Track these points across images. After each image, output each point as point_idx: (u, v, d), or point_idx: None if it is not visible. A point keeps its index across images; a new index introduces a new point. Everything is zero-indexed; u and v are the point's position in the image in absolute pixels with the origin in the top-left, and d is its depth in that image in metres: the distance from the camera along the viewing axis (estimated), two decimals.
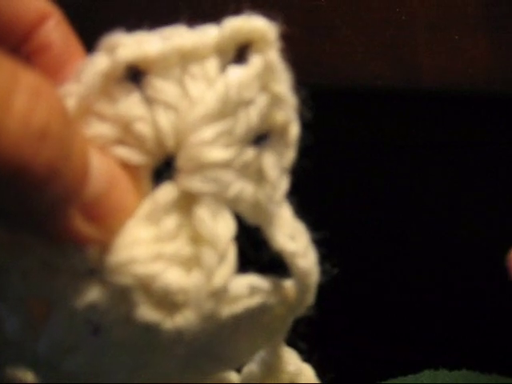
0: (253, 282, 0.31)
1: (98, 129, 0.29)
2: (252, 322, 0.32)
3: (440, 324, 0.91)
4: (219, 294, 0.30)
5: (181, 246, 0.29)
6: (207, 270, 0.29)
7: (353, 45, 0.66)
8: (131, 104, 0.29)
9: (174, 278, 0.29)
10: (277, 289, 0.32)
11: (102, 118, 0.29)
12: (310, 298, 0.33)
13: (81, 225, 0.26)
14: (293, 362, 0.37)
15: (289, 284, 0.32)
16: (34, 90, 0.23)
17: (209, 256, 0.29)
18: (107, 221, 0.27)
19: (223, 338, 0.32)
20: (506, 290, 0.78)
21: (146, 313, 0.29)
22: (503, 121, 0.74)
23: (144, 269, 0.28)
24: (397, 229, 0.86)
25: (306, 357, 0.37)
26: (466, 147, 0.79)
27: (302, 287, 0.32)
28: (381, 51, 0.67)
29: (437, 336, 0.91)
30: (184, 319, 0.29)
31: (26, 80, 0.23)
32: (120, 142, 0.29)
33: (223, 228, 0.29)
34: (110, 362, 0.31)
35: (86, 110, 0.29)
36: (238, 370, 0.37)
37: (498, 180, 0.82)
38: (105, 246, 0.29)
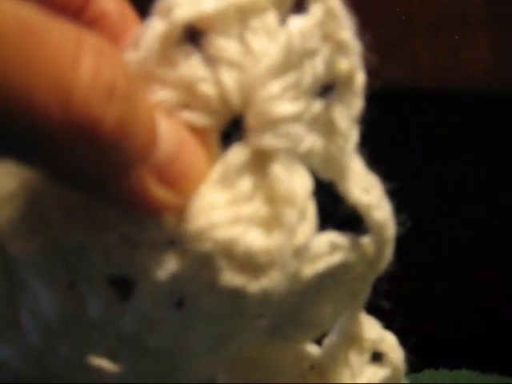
0: (332, 239, 0.30)
1: (161, 94, 0.28)
2: (334, 281, 0.31)
3: (440, 324, 0.90)
4: (302, 253, 0.29)
5: (258, 207, 0.28)
6: (288, 229, 0.28)
7: None
8: (192, 66, 0.28)
9: (255, 239, 0.28)
10: (356, 245, 0.31)
11: (163, 83, 0.28)
12: (389, 252, 0.32)
13: (154, 188, 0.26)
14: (374, 329, 0.35)
15: (367, 240, 0.31)
16: (98, 50, 0.23)
17: (289, 214, 0.28)
18: (180, 184, 0.27)
19: (307, 301, 0.31)
20: (506, 290, 0.77)
21: (231, 277, 0.28)
22: (503, 121, 0.74)
23: (224, 233, 0.27)
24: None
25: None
26: (465, 147, 0.79)
27: (379, 240, 0.31)
28: (381, 51, 0.68)
29: (437, 336, 0.90)
30: (269, 280, 0.28)
31: (89, 41, 0.23)
32: (184, 105, 0.28)
33: (300, 184, 0.28)
34: (196, 335, 0.30)
35: (147, 76, 0.28)
36: (319, 343, 0.36)
37: (498, 180, 0.83)
38: (181, 215, 0.28)
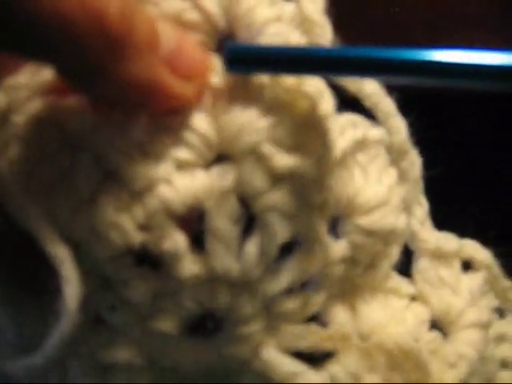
0: None
1: None
2: None
3: None
4: None
5: None
6: None
7: (352, 45, 0.67)
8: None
9: None
10: None
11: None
12: None
13: (168, 77, 0.28)
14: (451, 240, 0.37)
15: None
16: None
17: None
18: (189, 73, 0.29)
19: None
20: None
21: None
22: (503, 121, 0.70)
23: None
24: None
25: None
26: (465, 147, 0.79)
27: None
28: None
29: None
30: None
31: None
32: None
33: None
34: None
35: None
36: None
37: (498, 180, 0.82)
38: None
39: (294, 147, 0.29)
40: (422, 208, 0.36)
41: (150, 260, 0.30)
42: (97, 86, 0.27)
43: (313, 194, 0.30)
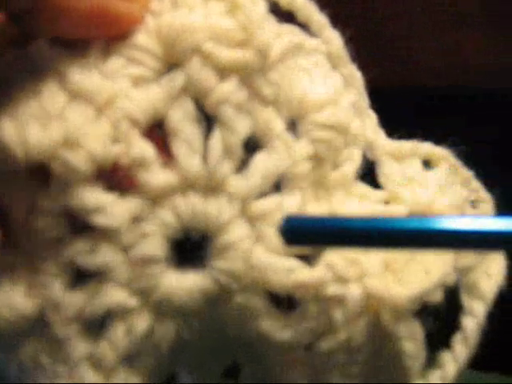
0: None
1: None
2: None
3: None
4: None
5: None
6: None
7: (352, 45, 0.68)
8: None
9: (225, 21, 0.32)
10: None
11: None
12: None
13: (116, 2, 0.31)
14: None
15: None
16: None
17: None
18: None
19: None
20: (507, 289, 0.76)
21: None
22: (503, 120, 0.73)
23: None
24: None
25: None
26: (465, 146, 0.80)
27: None
28: (381, 51, 0.68)
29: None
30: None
31: None
32: None
33: None
34: None
35: None
36: None
37: (497, 179, 0.82)
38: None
39: (233, 44, 0.31)
40: (371, 119, 0.38)
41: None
42: (53, 25, 0.30)
43: (261, 87, 0.32)
